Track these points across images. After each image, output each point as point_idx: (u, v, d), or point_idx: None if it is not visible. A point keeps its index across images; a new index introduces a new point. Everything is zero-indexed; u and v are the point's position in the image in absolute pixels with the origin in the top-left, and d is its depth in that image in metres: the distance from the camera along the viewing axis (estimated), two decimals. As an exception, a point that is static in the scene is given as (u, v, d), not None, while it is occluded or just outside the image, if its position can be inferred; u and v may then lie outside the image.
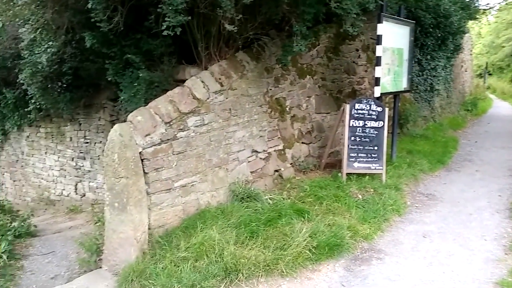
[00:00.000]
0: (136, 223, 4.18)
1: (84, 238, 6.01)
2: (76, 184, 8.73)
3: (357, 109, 6.25)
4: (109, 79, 5.56)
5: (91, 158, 8.22)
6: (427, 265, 4.24)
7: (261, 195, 5.23)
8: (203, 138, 4.94)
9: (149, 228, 4.34)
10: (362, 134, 6.28)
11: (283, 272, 3.91)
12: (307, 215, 4.90)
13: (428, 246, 4.69)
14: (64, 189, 9.12)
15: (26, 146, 10.00)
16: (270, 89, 6.18)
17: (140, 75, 5.11)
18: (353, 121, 6.25)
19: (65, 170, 8.99)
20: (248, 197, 5.18)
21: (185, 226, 4.54)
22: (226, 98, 5.29)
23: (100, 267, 4.49)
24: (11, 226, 6.21)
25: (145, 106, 4.73)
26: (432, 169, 7.83)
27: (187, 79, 5.20)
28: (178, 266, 3.90)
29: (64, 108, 7.26)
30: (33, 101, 6.98)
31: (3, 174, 10.96)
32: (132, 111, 4.72)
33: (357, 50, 8.42)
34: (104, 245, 4.41)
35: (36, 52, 5.95)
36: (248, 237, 4.32)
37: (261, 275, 3.86)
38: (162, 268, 3.90)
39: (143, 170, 4.29)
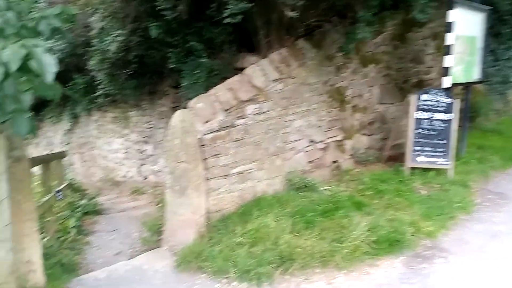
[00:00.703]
0: (195, 207, 4.30)
1: (146, 218, 6.33)
2: (139, 167, 9.14)
3: (424, 100, 5.94)
4: (171, 66, 5.71)
5: (153, 143, 8.56)
6: (496, 268, 3.96)
7: (318, 186, 5.15)
8: (261, 126, 4.94)
9: (207, 212, 4.44)
10: (428, 126, 5.96)
11: (339, 264, 3.84)
12: (366, 208, 4.76)
13: (497, 248, 4.38)
14: (128, 171, 9.59)
15: (94, 130, 10.60)
16: (331, 78, 6.03)
17: (202, 61, 5.19)
18: (419, 113, 5.95)
19: (129, 153, 9.43)
20: (304, 187, 5.14)
21: (241, 212, 4.59)
22: (285, 87, 5.23)
23: (161, 247, 4.69)
24: (79, 204, 6.65)
25: (205, 93, 4.81)
26: (504, 166, 7.26)
27: (246, 67, 5.22)
28: (234, 251, 3.97)
29: (130, 94, 7.59)
30: (101, 87, 7.36)
31: (73, 155, 11.72)
32: (192, 98, 4.83)
33: (425, 38, 7.96)
34: (165, 226, 4.58)
35: (105, 40, 6.24)
36: (303, 227, 4.29)
37: (317, 266, 3.82)
38: (219, 251, 3.99)
39: (202, 156, 4.38)
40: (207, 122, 4.43)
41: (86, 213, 6.55)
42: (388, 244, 4.15)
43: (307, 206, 4.68)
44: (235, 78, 4.86)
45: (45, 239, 4.66)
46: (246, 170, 4.80)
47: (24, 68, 1.76)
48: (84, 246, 5.32)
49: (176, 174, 4.29)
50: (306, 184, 5.14)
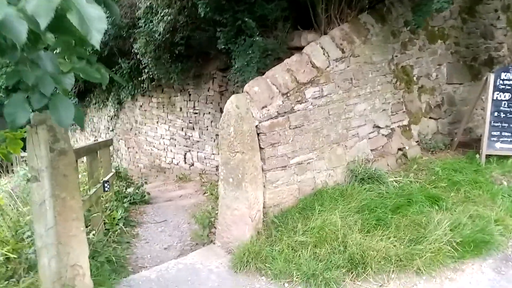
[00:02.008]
0: (251, 201, 3.91)
1: (195, 209, 6.05)
2: (185, 153, 8.90)
3: (503, 80, 5.21)
4: (220, 47, 5.30)
5: (199, 129, 8.26)
6: None
7: (385, 177, 4.62)
8: (321, 111, 4.45)
9: (264, 207, 4.05)
10: (509, 109, 5.24)
11: (419, 269, 3.34)
12: (443, 203, 4.19)
13: None
14: (174, 158, 9.39)
15: (139, 115, 10.47)
16: (396, 56, 5.42)
17: (255, 40, 4.73)
18: (497, 94, 5.23)
19: (175, 140, 9.22)
20: (368, 178, 4.62)
21: (301, 206, 4.17)
22: (348, 67, 4.70)
23: (213, 242, 4.37)
24: (126, 193, 6.46)
25: (259, 76, 4.37)
26: None
27: (303, 46, 4.72)
28: (296, 251, 3.57)
29: (175, 78, 7.28)
30: (146, 70, 7.09)
31: (119, 141, 11.71)
32: (243, 81, 4.41)
33: (496, 11, 7.09)
34: (217, 220, 4.24)
35: (152, 20, 5.91)
36: (374, 225, 3.81)
37: (393, 271, 3.35)
38: (279, 251, 3.60)
39: (259, 145, 3.97)
40: (264, 107, 3.99)
41: (133, 203, 6.37)
42: (474, 245, 3.60)
43: (375, 201, 4.18)
44: (294, 58, 4.38)
45: (92, 234, 4.45)
46: (306, 160, 4.35)
47: (59, 25, 1.24)
48: (133, 239, 5.10)
49: (230, 165, 3.91)
50: (370, 174, 4.62)
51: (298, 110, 4.23)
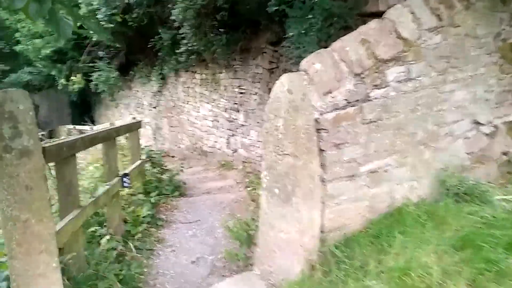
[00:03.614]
0: (303, 223, 2.84)
1: (233, 212, 5.09)
2: (228, 138, 7.95)
3: None
4: (271, 10, 4.15)
5: (245, 111, 7.23)
6: None
7: (489, 193, 3.36)
8: (407, 100, 3.23)
9: (321, 231, 2.96)
10: None
11: None
12: None
13: None
14: (216, 142, 8.49)
15: (182, 92, 9.62)
16: (503, 30, 4.01)
17: (316, 0, 3.54)
18: None
19: (218, 122, 8.28)
20: (465, 194, 3.38)
21: (374, 233, 3.03)
22: (444, 40, 3.41)
23: (250, 265, 3.39)
24: (158, 184, 5.61)
25: (322, 48, 3.20)
26: None
27: (382, 12, 3.47)
28: (367, 302, 2.47)
29: (219, 52, 6.23)
30: (185, 42, 6.09)
31: (161, 119, 10.99)
32: (299, 57, 3.28)
33: None
34: (257, 240, 3.21)
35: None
36: (481, 272, 2.60)
37: None
38: (341, 300, 2.52)
39: (319, 146, 2.85)
40: (327, 93, 2.86)
41: (164, 195, 5.52)
42: None
43: (479, 230, 2.94)
44: (371, 24, 3.16)
45: (106, 238, 3.60)
46: (381, 168, 3.18)
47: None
48: (156, 245, 4.24)
49: (277, 171, 2.84)
50: (468, 189, 3.37)
51: (376, 98, 3.04)
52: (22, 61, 13.72)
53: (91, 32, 8.29)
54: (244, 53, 6.82)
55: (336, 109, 2.88)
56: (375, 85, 3.05)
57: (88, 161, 5.08)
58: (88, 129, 11.43)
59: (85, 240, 3.38)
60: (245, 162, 7.31)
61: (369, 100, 3.02)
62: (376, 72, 3.04)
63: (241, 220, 4.16)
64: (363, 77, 2.99)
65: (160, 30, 7.21)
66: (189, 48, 6.14)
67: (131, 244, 3.90)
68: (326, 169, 2.90)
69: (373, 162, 3.12)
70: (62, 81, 11.53)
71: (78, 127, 12.30)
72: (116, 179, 3.78)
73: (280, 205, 2.88)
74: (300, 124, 2.73)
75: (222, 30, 5.97)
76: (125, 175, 4.00)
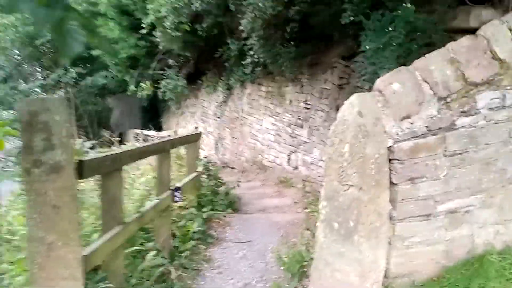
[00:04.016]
0: (365, 266, 2.45)
1: (290, 231, 4.77)
2: (290, 154, 7.64)
3: None
4: (345, 21, 3.82)
5: (309, 127, 6.89)
6: None
7: None
8: (498, 131, 2.74)
9: (385, 277, 2.55)
10: None
11: None
12: None
13: None
14: (277, 157, 8.22)
15: (246, 104, 9.50)
16: None
17: (397, 14, 3.16)
18: None
19: (280, 136, 8.02)
20: None
21: (449, 283, 2.56)
22: (550, 62, 2.87)
23: (301, 301, 3.04)
24: (212, 197, 5.44)
25: (401, 66, 2.81)
26: None
27: (474, 29, 3.01)
28: None
29: (287, 64, 5.97)
30: (252, 53, 5.91)
31: (224, 130, 10.96)
32: (373, 73, 2.91)
33: None
34: (310, 277, 2.87)
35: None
36: None
37: None
38: None
39: (390, 178, 2.46)
40: (405, 118, 2.47)
41: (218, 210, 5.32)
42: None
43: None
44: (462, 41, 2.72)
45: (151, 253, 3.44)
46: (463, 207, 2.70)
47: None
48: (203, 265, 4.01)
49: (338, 203, 2.49)
50: None
51: (462, 127, 2.59)
52: (98, 65, 14.43)
53: (159, 40, 8.43)
54: (312, 67, 6.51)
55: (415, 137, 2.48)
56: (463, 112, 2.60)
57: (142, 171, 5.02)
58: (154, 134, 11.75)
59: (128, 257, 3.23)
60: (305, 180, 6.94)
61: (454, 128, 2.58)
62: (464, 97, 2.60)
63: (295, 248, 3.82)
64: (449, 102, 2.56)
65: (228, 41, 7.15)
66: (255, 59, 5.97)
67: (178, 262, 3.73)
68: (397, 206, 2.49)
69: (453, 200, 2.66)
70: (132, 87, 11.85)
71: (145, 131, 12.65)
72: (167, 193, 3.63)
73: (339, 242, 2.52)
74: (369, 152, 2.37)
75: (291, 42, 5.73)
76: (177, 188, 3.84)
